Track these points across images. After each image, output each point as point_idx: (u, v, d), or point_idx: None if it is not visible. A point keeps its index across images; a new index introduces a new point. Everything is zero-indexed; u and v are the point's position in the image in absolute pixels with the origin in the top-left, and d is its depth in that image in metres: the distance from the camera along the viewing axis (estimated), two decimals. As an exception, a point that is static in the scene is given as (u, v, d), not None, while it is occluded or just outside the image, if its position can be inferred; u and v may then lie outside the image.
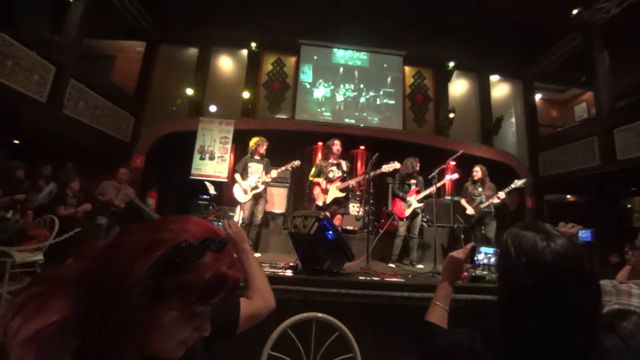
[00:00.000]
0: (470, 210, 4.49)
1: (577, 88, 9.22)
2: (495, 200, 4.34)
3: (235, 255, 0.56)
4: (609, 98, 6.40)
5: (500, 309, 0.73)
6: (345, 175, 4.31)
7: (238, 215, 4.70)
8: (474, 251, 1.13)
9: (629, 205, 7.79)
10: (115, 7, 6.69)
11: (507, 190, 4.38)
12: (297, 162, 4.44)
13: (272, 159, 4.32)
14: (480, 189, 4.51)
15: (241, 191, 4.34)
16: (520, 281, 0.68)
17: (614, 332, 0.80)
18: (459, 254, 1.07)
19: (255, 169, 4.43)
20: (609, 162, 6.11)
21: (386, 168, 4.19)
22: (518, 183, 4.39)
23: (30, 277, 3.04)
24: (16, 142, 6.29)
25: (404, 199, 4.38)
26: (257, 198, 4.38)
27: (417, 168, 4.47)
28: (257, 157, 4.50)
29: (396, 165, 4.23)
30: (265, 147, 4.55)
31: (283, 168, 4.42)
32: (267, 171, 4.42)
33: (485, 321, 0.75)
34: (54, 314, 0.44)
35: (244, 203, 4.37)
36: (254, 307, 0.92)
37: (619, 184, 6.98)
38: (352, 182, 4.30)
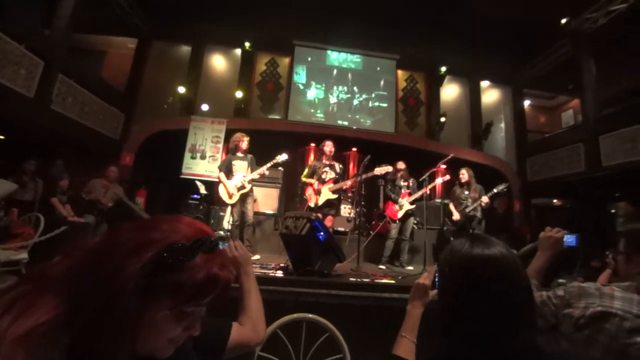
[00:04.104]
0: (456, 216, 4.55)
1: (565, 95, 9.44)
2: (484, 201, 4.40)
3: (227, 256, 0.56)
4: (595, 106, 6.56)
5: (444, 318, 0.73)
6: (338, 177, 4.31)
7: (228, 216, 4.65)
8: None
9: (612, 210, 7.98)
10: (107, 2, 6.58)
11: (489, 195, 4.44)
12: (282, 156, 4.21)
13: (264, 160, 4.23)
14: (467, 192, 4.56)
15: (226, 193, 4.09)
16: (462, 290, 0.69)
17: (563, 338, 0.83)
18: (424, 279, 1.06)
19: (240, 167, 4.16)
20: (594, 168, 6.25)
21: (378, 171, 4.20)
22: (500, 187, 4.46)
23: (14, 276, 2.96)
24: (1, 137, 6.14)
25: (395, 201, 4.43)
26: (244, 198, 4.14)
27: (403, 168, 4.55)
28: (240, 154, 4.25)
29: (388, 168, 4.26)
30: (245, 141, 4.26)
31: (270, 164, 4.18)
32: (252, 168, 4.19)
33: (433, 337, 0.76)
34: (45, 312, 0.43)
35: (232, 205, 4.16)
36: (243, 336, 0.89)
37: (603, 189, 7.15)
38: (344, 185, 4.32)
